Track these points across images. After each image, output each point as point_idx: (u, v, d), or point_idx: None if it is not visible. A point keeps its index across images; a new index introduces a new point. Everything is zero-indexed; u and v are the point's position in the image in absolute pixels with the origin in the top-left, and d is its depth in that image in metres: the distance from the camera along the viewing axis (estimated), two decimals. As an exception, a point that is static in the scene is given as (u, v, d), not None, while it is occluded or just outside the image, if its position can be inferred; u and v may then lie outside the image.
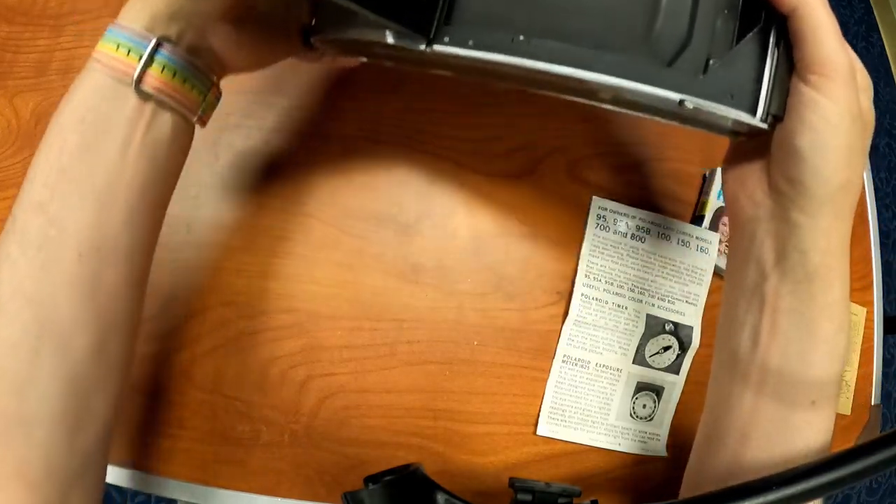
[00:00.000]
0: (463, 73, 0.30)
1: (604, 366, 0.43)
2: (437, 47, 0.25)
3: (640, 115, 0.29)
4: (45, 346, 0.24)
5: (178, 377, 0.38)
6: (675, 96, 0.24)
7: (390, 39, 0.25)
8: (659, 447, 0.44)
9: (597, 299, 0.43)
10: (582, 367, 0.43)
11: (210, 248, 0.39)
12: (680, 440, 0.44)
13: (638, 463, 0.44)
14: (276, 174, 0.41)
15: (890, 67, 1.73)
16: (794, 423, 0.29)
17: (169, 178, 0.29)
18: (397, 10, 0.24)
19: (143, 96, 0.26)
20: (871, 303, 0.54)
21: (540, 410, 0.42)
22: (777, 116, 0.26)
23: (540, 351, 0.42)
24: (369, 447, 0.40)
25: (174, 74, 0.26)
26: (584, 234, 0.43)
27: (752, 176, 0.29)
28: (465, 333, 0.41)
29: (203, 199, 0.40)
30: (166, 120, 0.27)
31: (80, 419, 0.26)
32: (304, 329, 0.40)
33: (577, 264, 0.43)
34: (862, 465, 0.24)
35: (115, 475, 0.37)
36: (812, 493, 0.24)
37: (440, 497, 0.29)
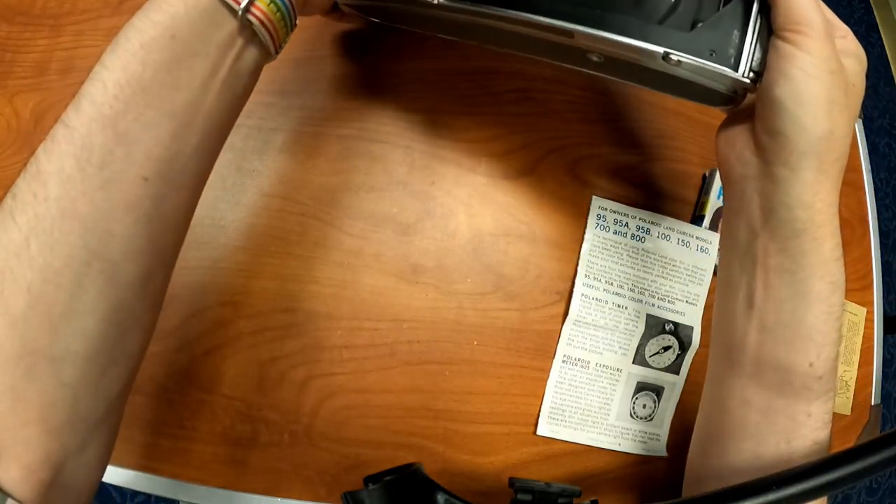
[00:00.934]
0: (467, 35, 0.33)
1: (604, 366, 0.43)
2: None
3: (629, 82, 0.31)
4: (91, 275, 0.22)
5: (177, 377, 0.38)
6: (660, 49, 0.26)
7: None
8: (659, 447, 0.44)
9: (597, 299, 0.43)
10: (582, 367, 0.43)
11: (209, 248, 0.39)
12: (680, 440, 0.44)
13: (638, 463, 0.44)
14: (275, 174, 0.41)
15: (890, 67, 1.73)
16: (796, 387, 0.29)
17: (239, 108, 0.29)
18: None
19: (244, 24, 0.25)
20: (871, 303, 0.54)
21: (540, 410, 0.42)
22: (758, 73, 0.27)
23: (540, 351, 0.42)
24: (369, 447, 0.40)
25: (277, 10, 0.26)
26: (584, 234, 0.43)
27: (741, 136, 0.30)
28: (465, 333, 0.41)
29: (202, 199, 0.40)
30: (253, 51, 0.27)
31: (113, 359, 0.24)
32: (304, 329, 0.40)
33: (577, 264, 0.43)
34: (862, 465, 0.24)
35: (115, 475, 0.37)
36: (812, 493, 0.24)
37: (440, 497, 0.29)
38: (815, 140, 0.26)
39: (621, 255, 0.44)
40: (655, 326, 0.43)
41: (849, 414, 0.51)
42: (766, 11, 0.27)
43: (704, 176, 0.47)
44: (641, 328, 0.43)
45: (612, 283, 0.43)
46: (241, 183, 0.41)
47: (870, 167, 0.56)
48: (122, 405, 0.26)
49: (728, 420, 0.32)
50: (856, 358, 0.52)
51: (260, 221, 0.40)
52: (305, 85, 0.43)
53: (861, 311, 0.53)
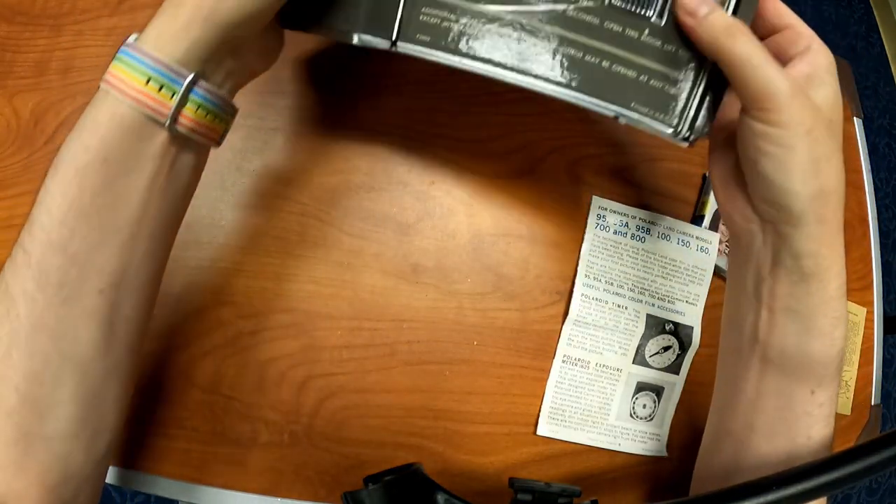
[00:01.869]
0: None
1: (604, 366, 0.43)
2: (401, 46, 0.27)
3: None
4: (66, 373, 0.25)
5: (177, 377, 0.38)
6: (613, 110, 0.27)
7: (356, 41, 0.28)
8: (659, 447, 0.44)
9: (597, 299, 0.43)
10: (582, 367, 0.43)
11: (209, 248, 0.39)
12: (680, 440, 0.44)
13: (638, 463, 0.44)
14: (274, 174, 0.41)
15: (890, 67, 1.73)
16: (797, 412, 0.30)
17: (188, 199, 0.29)
18: (361, 20, 0.27)
19: (174, 134, 0.25)
20: (871, 303, 0.54)
21: (540, 410, 0.42)
22: (698, 134, 0.28)
23: (540, 351, 0.42)
24: (369, 447, 0.39)
25: (207, 113, 0.26)
26: (584, 234, 0.43)
27: (740, 196, 0.30)
28: (465, 333, 0.41)
29: (202, 200, 0.40)
30: (191, 152, 0.27)
31: (97, 431, 0.27)
32: (304, 329, 0.40)
33: (577, 264, 0.43)
34: (862, 465, 0.24)
35: (115, 475, 0.37)
36: (812, 493, 0.24)
37: (440, 497, 0.29)
38: (810, 200, 0.27)
39: (621, 255, 0.44)
40: (655, 326, 0.43)
41: (849, 414, 0.51)
42: (716, 79, 0.27)
43: (704, 176, 0.47)
44: (641, 328, 0.43)
45: (612, 283, 0.43)
46: (241, 183, 0.41)
47: (870, 167, 0.56)
48: (109, 459, 0.29)
49: (735, 420, 0.33)
50: (856, 358, 0.52)
51: (259, 221, 0.40)
52: (305, 85, 0.43)
53: (861, 311, 0.53)
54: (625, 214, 0.44)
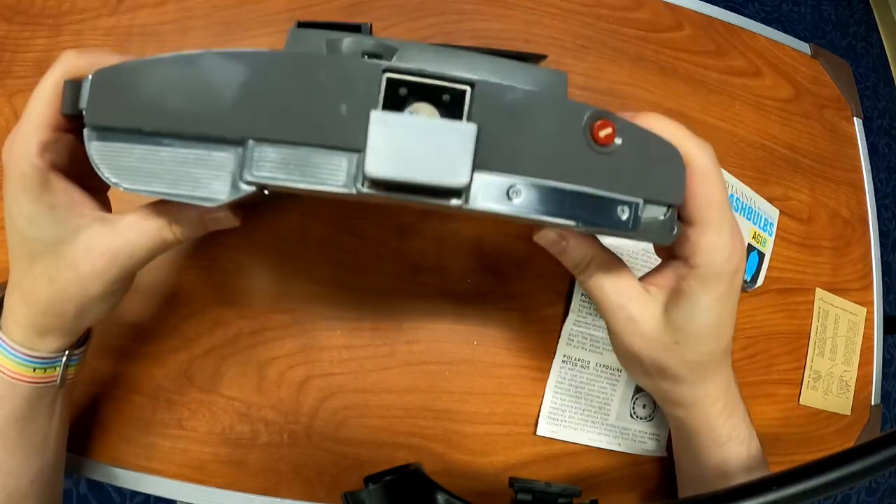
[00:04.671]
0: None
1: (604, 366, 0.43)
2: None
3: None
4: None
5: (176, 377, 0.38)
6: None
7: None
8: (659, 447, 0.44)
9: (597, 299, 0.43)
10: (582, 367, 0.43)
11: (208, 248, 0.39)
12: (680, 440, 0.44)
13: (638, 463, 0.44)
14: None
15: (890, 67, 1.73)
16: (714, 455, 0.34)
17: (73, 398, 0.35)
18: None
19: (61, 385, 0.30)
20: (871, 303, 0.54)
21: (540, 411, 0.42)
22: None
23: (540, 351, 0.42)
24: (369, 447, 0.39)
25: (80, 364, 0.31)
26: (583, 233, 0.43)
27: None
28: (465, 333, 0.41)
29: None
30: (71, 385, 0.32)
31: None
32: (303, 329, 0.40)
33: (576, 264, 0.43)
34: (862, 465, 0.24)
35: (115, 475, 0.37)
36: (812, 493, 0.24)
37: (440, 497, 0.29)
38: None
39: (621, 254, 0.43)
40: (655, 326, 0.43)
41: (849, 414, 0.51)
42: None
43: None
44: (641, 328, 0.43)
45: (611, 283, 0.43)
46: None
47: (870, 167, 0.56)
48: None
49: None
50: (856, 358, 0.52)
51: (259, 221, 0.40)
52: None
53: (861, 311, 0.53)
54: (625, 214, 0.44)
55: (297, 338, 0.39)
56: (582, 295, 0.42)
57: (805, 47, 0.57)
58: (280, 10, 0.42)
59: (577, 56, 0.47)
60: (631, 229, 0.24)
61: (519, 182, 0.23)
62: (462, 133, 0.21)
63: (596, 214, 0.24)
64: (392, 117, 0.20)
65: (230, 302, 0.39)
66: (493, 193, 0.23)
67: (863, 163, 0.56)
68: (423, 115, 0.22)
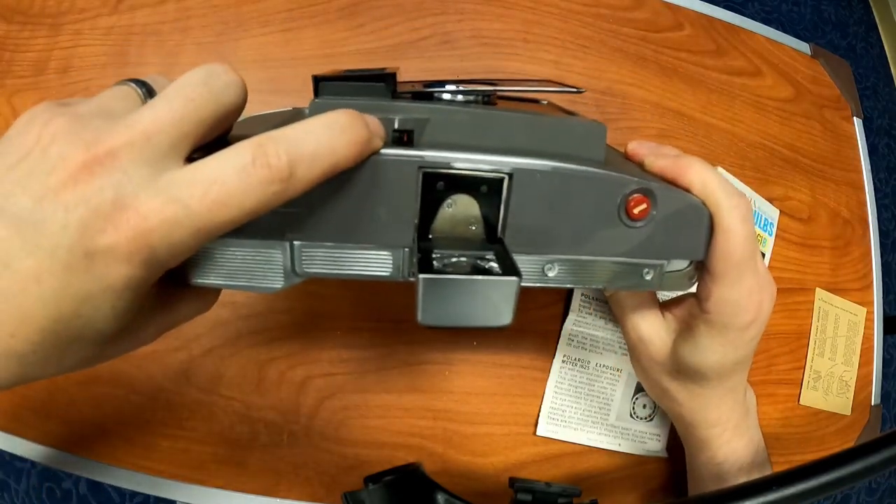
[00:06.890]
0: None
1: (604, 366, 0.43)
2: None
3: None
4: None
5: (176, 377, 0.38)
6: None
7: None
8: (659, 447, 0.44)
9: (597, 299, 0.43)
10: (582, 367, 0.43)
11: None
12: (680, 440, 0.44)
13: (638, 463, 0.44)
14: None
15: (890, 67, 1.73)
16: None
17: None
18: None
19: None
20: (871, 303, 0.54)
21: (540, 411, 0.42)
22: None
23: (540, 351, 0.42)
24: (369, 447, 0.39)
25: None
26: (583, 233, 0.43)
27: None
28: (465, 333, 0.41)
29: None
30: None
31: None
32: (303, 329, 0.40)
33: (576, 264, 0.43)
34: (862, 465, 0.24)
35: (114, 475, 0.37)
36: (812, 493, 0.24)
37: (440, 497, 0.29)
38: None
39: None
40: (655, 326, 0.43)
41: (849, 414, 0.51)
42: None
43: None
44: (641, 328, 0.43)
45: (611, 283, 0.43)
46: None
47: (870, 167, 0.56)
48: None
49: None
50: (856, 358, 0.52)
51: (259, 221, 0.40)
52: (304, 84, 0.43)
53: (861, 311, 0.53)
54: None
55: (297, 338, 0.39)
56: (582, 295, 0.42)
57: (805, 47, 0.57)
58: (279, 10, 0.42)
59: (577, 56, 0.47)
60: (653, 286, 0.26)
61: (553, 259, 0.24)
62: (506, 286, 0.21)
63: (623, 279, 0.26)
64: (439, 280, 0.21)
65: (230, 302, 0.39)
66: (527, 272, 0.24)
67: (863, 163, 0.56)
68: (460, 208, 0.23)
